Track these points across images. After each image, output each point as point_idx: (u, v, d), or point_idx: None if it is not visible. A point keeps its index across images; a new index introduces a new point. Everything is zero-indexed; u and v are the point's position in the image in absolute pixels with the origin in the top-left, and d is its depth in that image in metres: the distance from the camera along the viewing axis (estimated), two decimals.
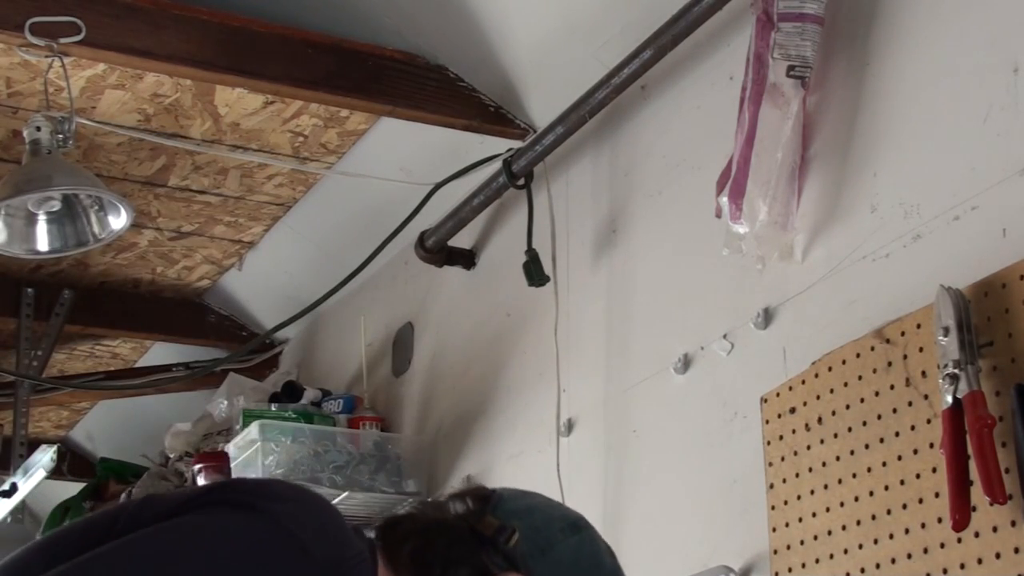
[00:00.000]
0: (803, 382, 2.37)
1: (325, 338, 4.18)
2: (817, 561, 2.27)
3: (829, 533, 2.26)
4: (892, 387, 2.20)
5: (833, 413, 2.30)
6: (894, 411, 2.18)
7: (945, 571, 2.05)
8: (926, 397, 2.13)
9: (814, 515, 2.29)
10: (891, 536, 2.15)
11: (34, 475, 4.06)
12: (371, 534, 1.66)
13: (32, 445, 4.16)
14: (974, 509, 1.99)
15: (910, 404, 2.16)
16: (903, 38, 2.35)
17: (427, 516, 1.65)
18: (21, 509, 4.40)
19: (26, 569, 1.48)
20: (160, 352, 4.56)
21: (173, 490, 1.49)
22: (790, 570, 2.32)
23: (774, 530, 2.37)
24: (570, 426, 3.04)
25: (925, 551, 2.08)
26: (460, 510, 1.63)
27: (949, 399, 2.02)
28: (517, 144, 3.30)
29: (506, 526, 1.63)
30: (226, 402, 3.89)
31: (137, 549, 1.45)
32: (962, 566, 2.02)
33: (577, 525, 1.74)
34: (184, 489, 1.49)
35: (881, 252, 2.31)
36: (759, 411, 2.46)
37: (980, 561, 2.00)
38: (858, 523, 2.21)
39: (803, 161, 2.46)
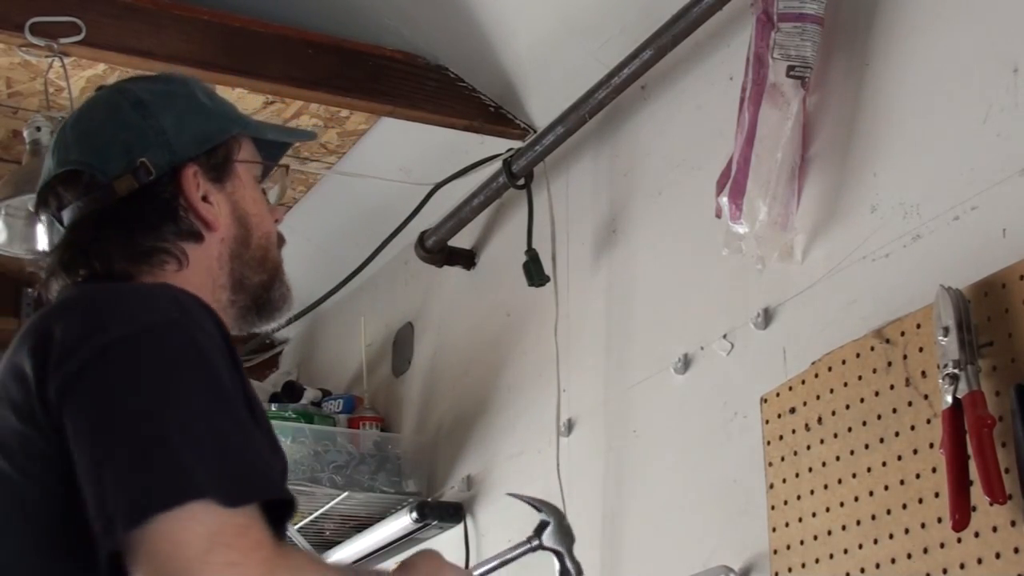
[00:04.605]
0: (803, 382, 2.37)
1: (325, 338, 4.18)
2: (817, 561, 2.27)
3: (829, 533, 2.26)
4: (892, 387, 2.20)
5: (833, 413, 2.30)
6: (894, 411, 2.18)
7: (945, 571, 2.05)
8: (926, 397, 2.13)
9: (814, 515, 2.29)
10: (891, 536, 2.15)
11: None
12: None
13: None
14: (974, 509, 1.99)
15: (910, 404, 2.16)
16: (903, 38, 2.35)
17: None
18: None
19: None
20: None
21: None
22: (790, 570, 2.32)
23: (774, 530, 2.37)
24: (570, 426, 3.04)
25: (925, 551, 2.08)
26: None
27: (949, 399, 2.02)
28: (517, 144, 3.30)
29: None
30: None
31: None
32: (962, 566, 2.02)
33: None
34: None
35: (881, 252, 2.31)
36: (759, 411, 2.46)
37: (980, 561, 2.00)
38: (858, 523, 2.21)
39: (803, 161, 2.46)
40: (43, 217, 1.78)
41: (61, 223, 1.75)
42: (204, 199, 1.75)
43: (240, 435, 1.48)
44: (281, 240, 1.85)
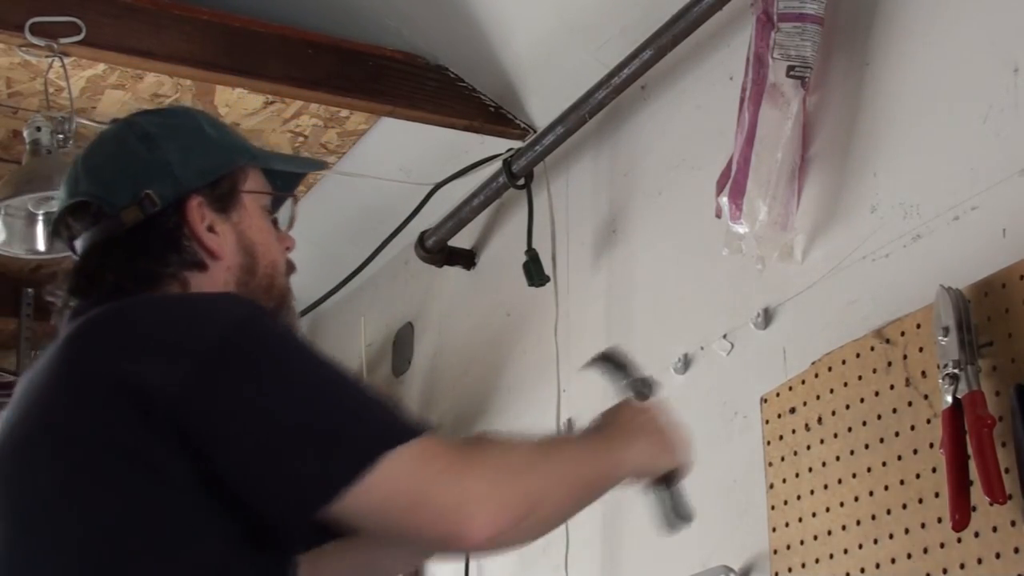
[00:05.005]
0: (803, 382, 2.37)
1: (325, 338, 4.18)
2: (817, 561, 2.27)
3: (829, 533, 2.26)
4: (892, 387, 2.20)
5: (833, 413, 2.30)
6: (894, 411, 2.18)
7: (945, 571, 2.05)
8: (926, 397, 2.13)
9: (814, 515, 2.29)
10: (891, 536, 2.15)
11: None
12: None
13: None
14: (974, 509, 1.99)
15: (910, 404, 2.16)
16: (903, 38, 2.35)
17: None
18: None
19: None
20: None
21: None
22: (790, 570, 2.32)
23: (774, 530, 2.37)
24: (570, 426, 3.04)
25: (925, 551, 2.08)
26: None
27: (949, 399, 2.02)
28: (517, 144, 3.30)
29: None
30: None
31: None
32: (962, 566, 2.02)
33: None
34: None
35: (881, 252, 2.31)
36: (759, 411, 2.46)
37: (980, 561, 2.00)
38: (858, 523, 2.21)
39: (803, 161, 2.46)
40: (58, 246, 1.87)
41: (75, 252, 1.82)
42: (210, 229, 1.80)
43: (372, 390, 1.66)
44: (291, 268, 1.89)
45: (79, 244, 1.81)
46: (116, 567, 1.55)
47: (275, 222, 1.89)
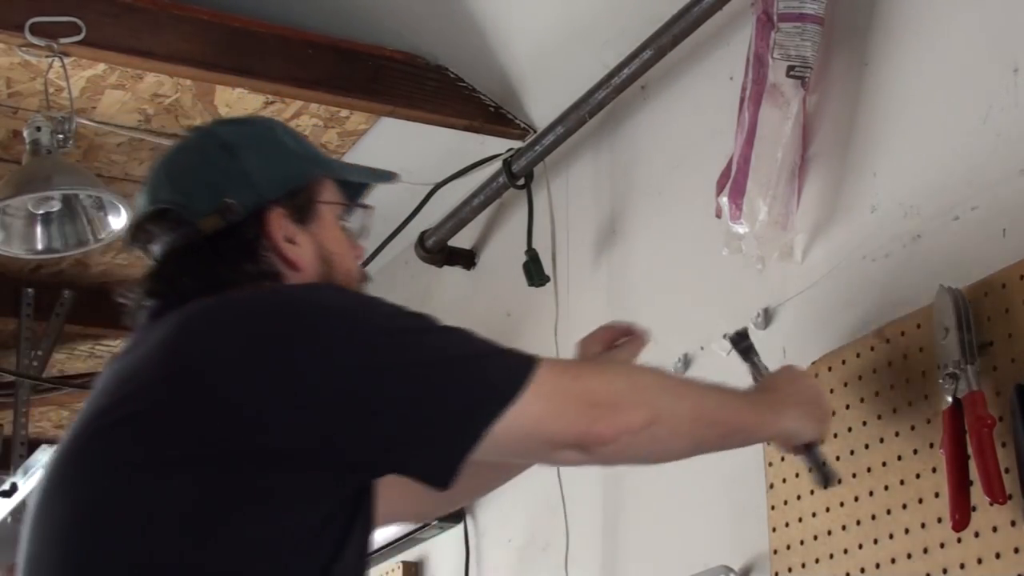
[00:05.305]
0: None
1: None
2: (817, 561, 2.27)
3: (829, 533, 2.26)
4: (892, 387, 2.19)
5: (833, 413, 2.29)
6: (894, 411, 2.18)
7: (945, 571, 2.05)
8: (926, 397, 2.13)
9: (814, 515, 2.29)
10: (891, 536, 2.15)
11: (34, 475, 4.05)
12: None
13: (32, 445, 4.15)
14: (974, 509, 1.99)
15: (910, 404, 2.16)
16: (903, 38, 2.35)
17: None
18: (21, 509, 4.40)
19: None
20: None
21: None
22: (790, 570, 2.32)
23: (774, 530, 2.37)
24: None
25: (925, 551, 2.08)
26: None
27: (949, 399, 2.02)
28: (517, 144, 3.30)
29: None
30: None
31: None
32: (962, 566, 2.02)
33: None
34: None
35: (881, 252, 2.31)
36: None
37: (980, 561, 2.00)
38: (858, 523, 2.21)
39: (803, 161, 2.46)
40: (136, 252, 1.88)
41: (152, 257, 1.84)
42: (289, 240, 1.82)
43: (476, 333, 1.75)
44: (363, 276, 1.94)
45: (156, 249, 1.83)
46: (204, 541, 1.57)
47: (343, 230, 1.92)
